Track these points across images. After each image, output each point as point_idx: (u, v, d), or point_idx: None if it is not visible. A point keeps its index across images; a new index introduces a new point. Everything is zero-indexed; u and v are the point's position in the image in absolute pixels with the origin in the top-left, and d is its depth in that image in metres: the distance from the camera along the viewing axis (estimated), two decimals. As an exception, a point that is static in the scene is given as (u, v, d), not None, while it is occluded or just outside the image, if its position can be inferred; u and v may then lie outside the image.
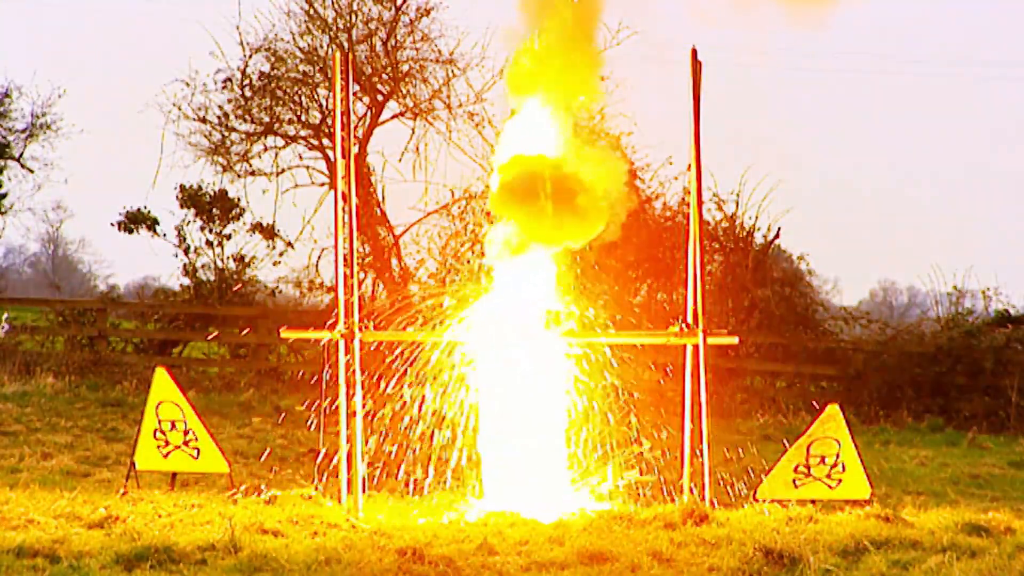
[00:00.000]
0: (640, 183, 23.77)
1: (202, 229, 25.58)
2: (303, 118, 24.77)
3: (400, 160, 24.57)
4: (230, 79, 24.66)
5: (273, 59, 24.67)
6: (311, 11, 24.62)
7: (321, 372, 13.17)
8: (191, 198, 25.39)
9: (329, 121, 23.34)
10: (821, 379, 24.02)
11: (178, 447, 13.11)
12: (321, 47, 24.56)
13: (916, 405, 22.51)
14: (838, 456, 12.67)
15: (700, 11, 14.51)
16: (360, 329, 12.69)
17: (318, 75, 24.44)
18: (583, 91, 13.29)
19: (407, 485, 13.30)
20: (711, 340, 12.59)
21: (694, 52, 12.71)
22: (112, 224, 26.06)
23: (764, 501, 12.42)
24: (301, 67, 24.65)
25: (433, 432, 13.15)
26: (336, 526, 11.27)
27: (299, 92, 24.68)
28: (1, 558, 9.62)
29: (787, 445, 13.05)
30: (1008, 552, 10.28)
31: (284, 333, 13.59)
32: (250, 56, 24.63)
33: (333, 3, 24.71)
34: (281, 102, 24.68)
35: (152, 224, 25.76)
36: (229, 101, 24.75)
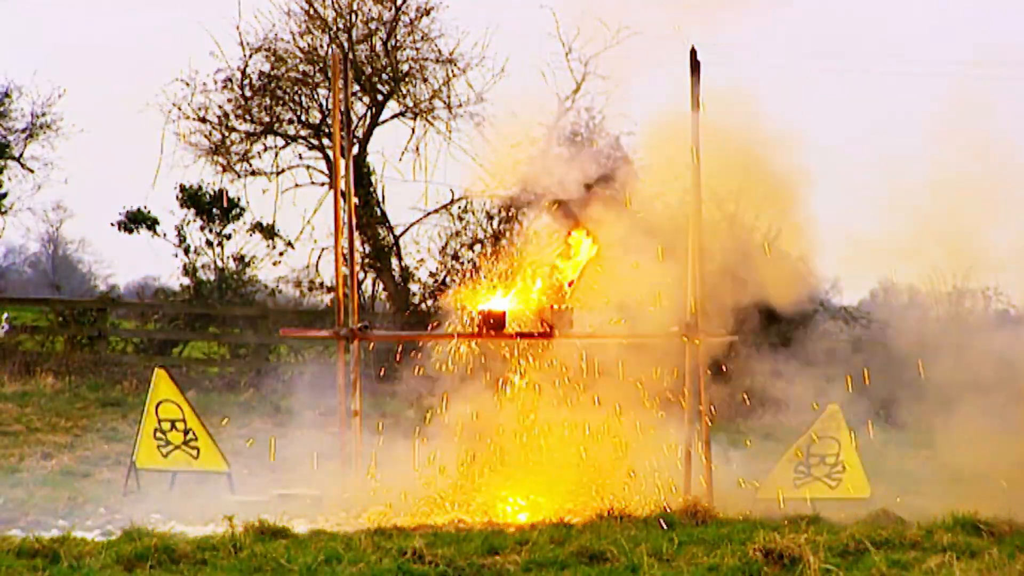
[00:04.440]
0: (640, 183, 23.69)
1: (202, 229, 25.56)
2: (303, 118, 24.75)
3: (400, 160, 24.56)
4: (230, 79, 24.62)
5: (273, 59, 24.63)
6: (311, 11, 24.59)
7: None
8: (191, 198, 25.37)
9: (329, 121, 23.32)
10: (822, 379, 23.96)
11: (178, 447, 13.13)
12: (321, 47, 24.53)
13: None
14: (838, 455, 12.68)
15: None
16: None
17: (318, 75, 24.42)
18: None
19: None
20: (710, 340, 12.61)
21: (693, 52, 12.72)
22: (112, 224, 26.05)
23: (766, 500, 12.43)
24: (301, 67, 24.62)
25: None
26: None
27: (299, 92, 24.65)
28: (1, 558, 9.61)
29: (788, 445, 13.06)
30: (1008, 552, 10.27)
31: (284, 333, 13.61)
32: (250, 56, 24.60)
33: (333, 3, 24.68)
34: (281, 102, 24.65)
35: (152, 224, 25.74)
36: (229, 101, 24.71)
